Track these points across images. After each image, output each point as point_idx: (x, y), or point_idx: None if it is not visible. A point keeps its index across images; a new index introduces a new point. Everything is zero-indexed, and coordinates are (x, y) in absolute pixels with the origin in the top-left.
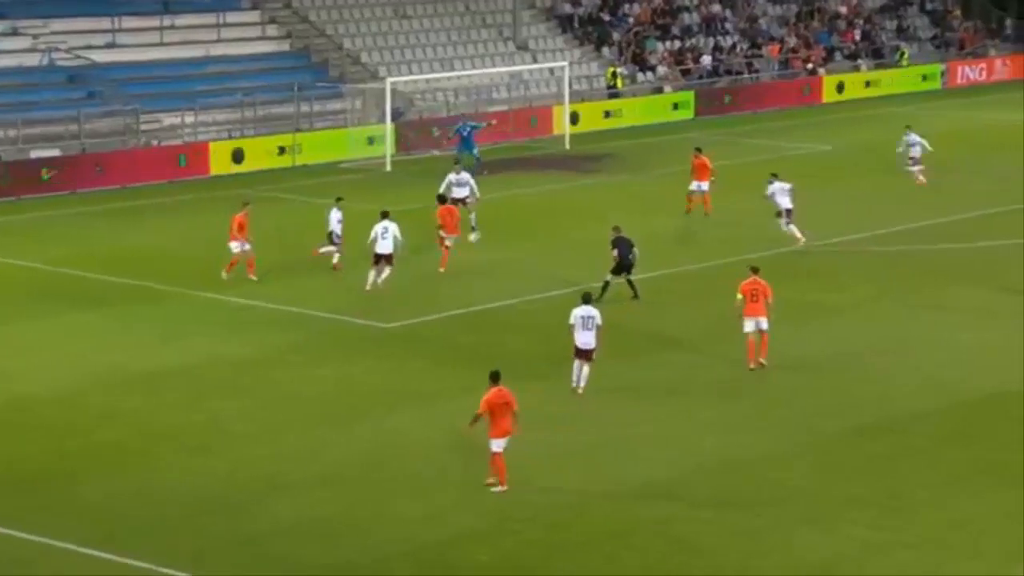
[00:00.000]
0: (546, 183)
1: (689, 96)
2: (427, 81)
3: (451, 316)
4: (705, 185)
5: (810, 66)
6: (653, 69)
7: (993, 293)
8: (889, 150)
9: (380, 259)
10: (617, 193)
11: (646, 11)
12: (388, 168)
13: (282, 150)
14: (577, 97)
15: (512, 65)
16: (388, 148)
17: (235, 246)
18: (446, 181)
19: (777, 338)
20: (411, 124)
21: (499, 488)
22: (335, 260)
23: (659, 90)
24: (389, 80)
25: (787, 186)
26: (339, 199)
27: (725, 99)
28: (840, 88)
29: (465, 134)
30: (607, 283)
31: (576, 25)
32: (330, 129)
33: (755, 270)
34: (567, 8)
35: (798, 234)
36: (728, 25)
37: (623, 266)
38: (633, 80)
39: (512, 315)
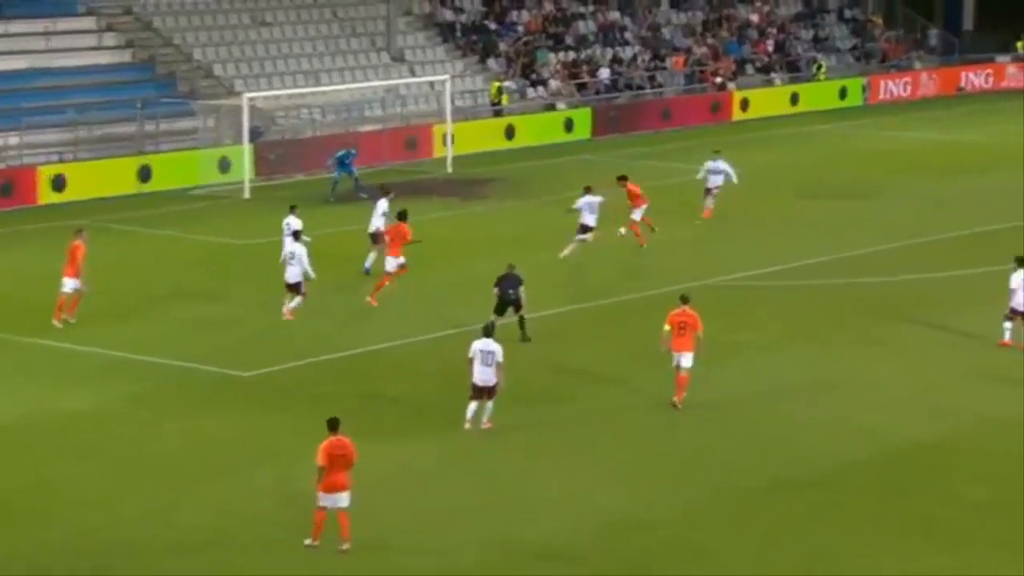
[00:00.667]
0: (426, 211)
1: (585, 113)
2: (290, 97)
3: (317, 362)
4: (638, 214)
5: (719, 80)
6: (545, 83)
7: (921, 330)
8: (806, 173)
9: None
10: (505, 222)
11: (536, 19)
12: (246, 195)
13: (124, 175)
14: (460, 115)
15: (387, 79)
16: (246, 172)
17: (68, 284)
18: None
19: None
20: (272, 145)
21: (310, 542)
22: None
23: (551, 107)
24: (246, 96)
25: (596, 200)
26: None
27: (625, 117)
28: (751, 104)
29: (349, 161)
30: (492, 324)
31: (458, 34)
32: (179, 151)
33: (684, 299)
34: (448, 15)
35: (567, 251)
36: (628, 35)
37: (505, 303)
38: (523, 96)
39: (386, 360)
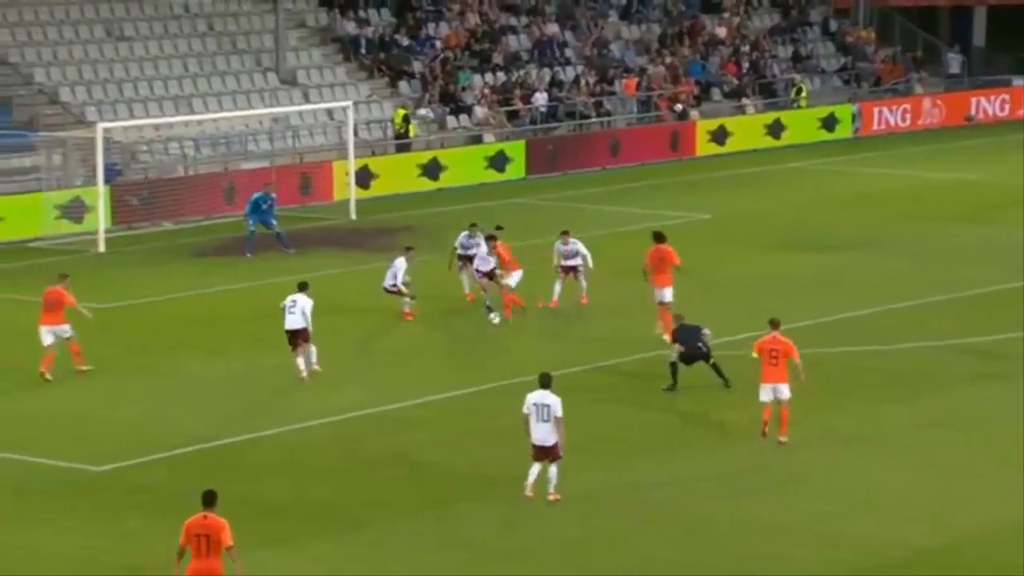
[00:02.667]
0: (323, 266)
1: (518, 147)
2: (155, 128)
3: (185, 454)
4: (668, 294)
5: (679, 107)
6: (469, 111)
7: (921, 412)
8: (785, 220)
9: (292, 336)
10: (420, 279)
11: (458, 33)
12: (101, 248)
13: None
14: (366, 149)
15: (275, 105)
16: (101, 220)
17: (48, 333)
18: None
19: (638, 479)
20: (133, 186)
21: None
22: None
23: (477, 139)
24: (101, 126)
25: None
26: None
27: (566, 151)
28: (719, 136)
29: (266, 206)
30: (674, 364)
31: (363, 51)
32: (17, 194)
33: (775, 324)
34: (350, 28)
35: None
36: (569, 52)
37: (694, 356)
38: (442, 126)
39: (266, 452)
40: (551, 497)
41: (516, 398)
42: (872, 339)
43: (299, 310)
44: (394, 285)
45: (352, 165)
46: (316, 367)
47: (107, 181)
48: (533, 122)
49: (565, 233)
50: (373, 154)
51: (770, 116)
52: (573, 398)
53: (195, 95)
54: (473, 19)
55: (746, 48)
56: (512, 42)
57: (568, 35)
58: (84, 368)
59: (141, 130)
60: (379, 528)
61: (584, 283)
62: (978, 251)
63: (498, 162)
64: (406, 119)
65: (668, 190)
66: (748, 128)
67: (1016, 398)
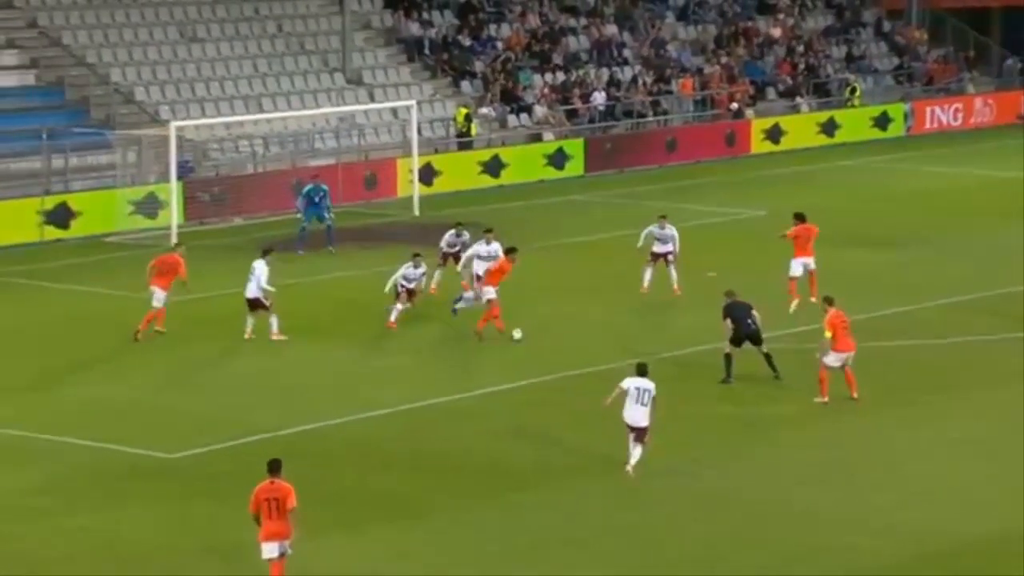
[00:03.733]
0: (387, 262)
1: (577, 145)
2: (226, 126)
3: (257, 441)
4: (811, 262)
5: (735, 106)
6: (529, 110)
7: (974, 404)
8: (842, 216)
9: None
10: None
11: (519, 34)
12: (174, 241)
13: (28, 220)
14: (430, 147)
15: (341, 104)
16: (174, 216)
17: (159, 293)
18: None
19: (691, 468)
20: (205, 183)
21: None
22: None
23: (537, 137)
24: (174, 124)
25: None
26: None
27: (624, 149)
28: (774, 134)
29: (318, 199)
30: (728, 356)
31: (426, 52)
32: (94, 191)
33: (830, 301)
34: (414, 29)
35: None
36: (627, 53)
37: (743, 336)
38: (503, 125)
39: (329, 442)
40: (631, 471)
41: (575, 390)
42: (927, 333)
43: (255, 277)
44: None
45: (416, 162)
46: (276, 336)
47: (180, 178)
48: (592, 121)
49: (663, 217)
50: (436, 152)
51: (824, 115)
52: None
53: (264, 95)
54: (533, 20)
55: (800, 48)
56: (571, 43)
57: (626, 36)
58: (161, 329)
59: (213, 128)
60: (441, 516)
61: (675, 273)
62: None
63: (557, 160)
64: (468, 118)
65: (724, 187)
66: (802, 127)
67: None
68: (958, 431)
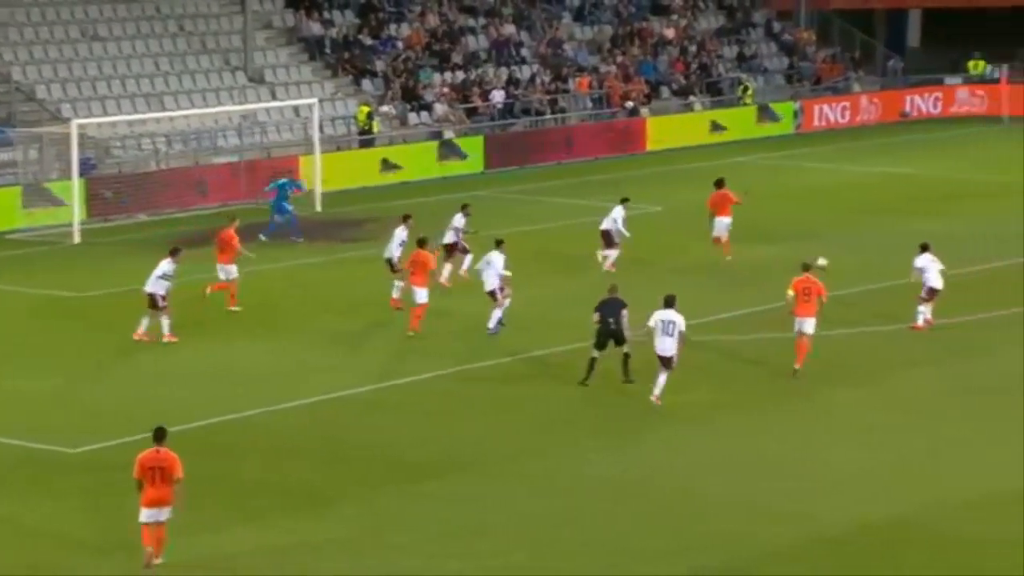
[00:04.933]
0: (289, 257)
1: (477, 142)
2: (128, 124)
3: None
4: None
5: (630, 104)
6: (430, 108)
7: (867, 395)
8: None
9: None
10: (381, 270)
11: (419, 33)
12: (76, 239)
13: None
14: (331, 144)
15: (243, 102)
16: (76, 213)
17: (222, 271)
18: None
19: (599, 453)
20: (107, 180)
21: (156, 561)
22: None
23: (438, 135)
24: (76, 122)
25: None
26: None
27: (522, 146)
28: (669, 132)
29: (289, 192)
30: (592, 360)
31: (327, 51)
32: None
33: (806, 267)
34: (315, 29)
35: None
36: (525, 52)
37: (606, 334)
38: (404, 122)
39: (241, 434)
40: (656, 400)
41: (480, 382)
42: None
43: (155, 274)
44: (394, 257)
45: (318, 160)
46: (168, 337)
47: (82, 175)
48: (491, 119)
49: (624, 200)
50: (338, 149)
51: (717, 113)
52: (528, 383)
53: (166, 93)
54: (433, 20)
55: (693, 49)
56: (471, 42)
57: (524, 35)
58: (236, 309)
59: (115, 126)
60: (348, 507)
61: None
62: (912, 241)
63: (458, 157)
64: (369, 116)
65: (620, 183)
66: (696, 124)
67: (954, 380)
68: (855, 420)
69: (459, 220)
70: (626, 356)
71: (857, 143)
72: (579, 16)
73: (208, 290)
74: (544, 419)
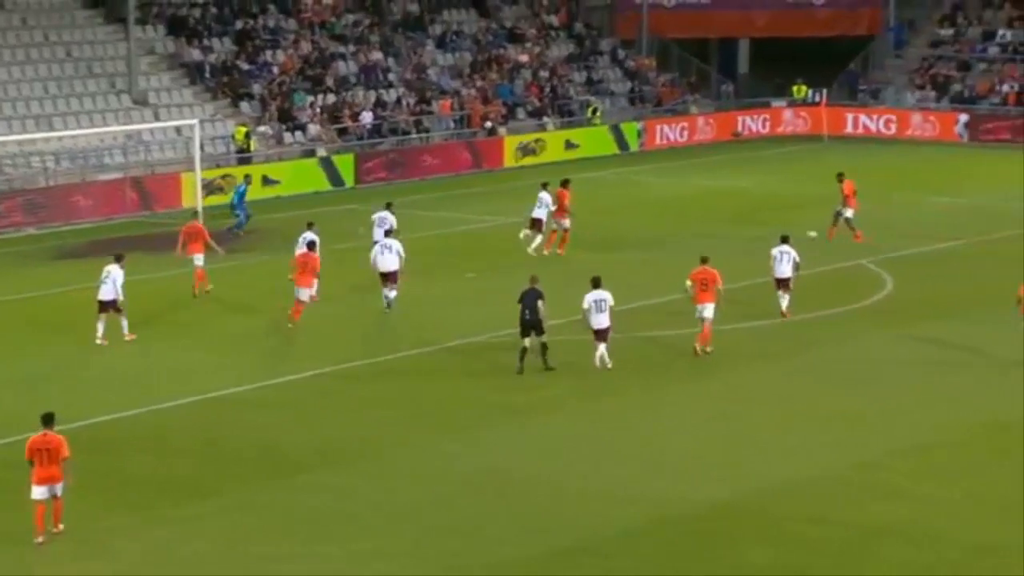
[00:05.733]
0: (168, 267)
1: (347, 160)
2: (19, 143)
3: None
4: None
5: (488, 124)
6: (304, 128)
7: (705, 385)
8: (585, 222)
9: (103, 305)
10: (257, 277)
11: (292, 59)
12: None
13: None
14: (212, 162)
15: (128, 123)
16: None
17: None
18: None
19: (459, 445)
20: None
21: (57, 528)
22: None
23: (311, 153)
24: None
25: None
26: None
27: (390, 163)
28: (525, 150)
29: (241, 192)
30: (523, 350)
31: (207, 75)
32: None
33: (704, 259)
34: (195, 55)
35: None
36: (392, 76)
37: (527, 324)
38: (280, 141)
39: (127, 431)
40: (608, 366)
41: (350, 381)
42: (665, 324)
43: (111, 281)
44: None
45: (199, 176)
46: (128, 336)
47: None
48: (360, 138)
49: (389, 204)
50: (218, 166)
51: (568, 132)
52: (398, 379)
53: (55, 114)
54: (306, 47)
55: (546, 74)
56: (341, 67)
57: (391, 61)
58: (208, 288)
59: (6, 146)
60: (227, 498)
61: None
62: (744, 247)
63: (329, 173)
64: (247, 135)
65: (481, 197)
66: (549, 143)
67: (789, 374)
68: (698, 410)
69: (546, 197)
70: (543, 346)
71: (695, 160)
72: (441, 44)
73: (199, 286)
74: (411, 414)
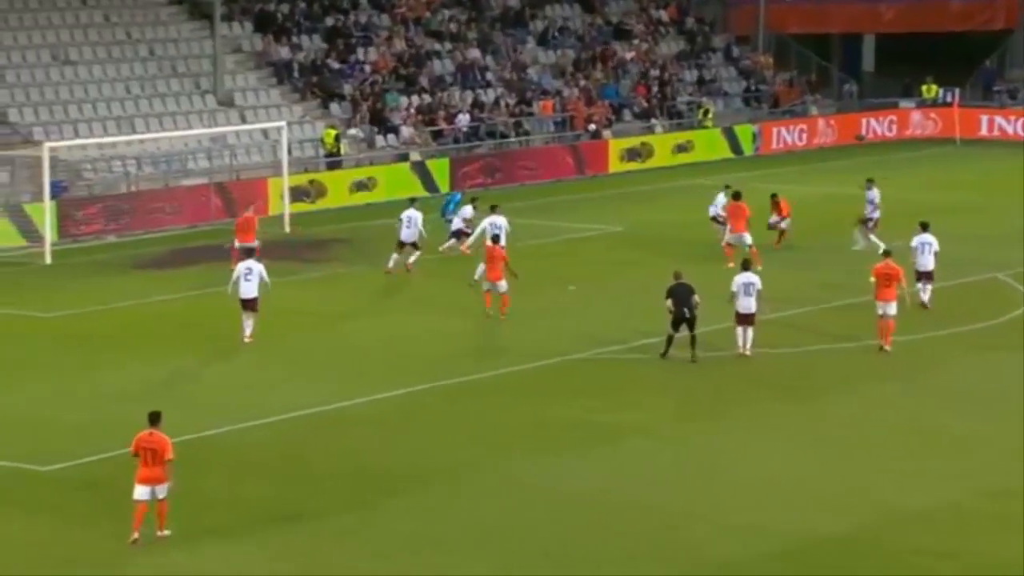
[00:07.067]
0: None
1: (443, 164)
2: (99, 147)
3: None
4: (747, 237)
5: (593, 127)
6: (396, 131)
7: (817, 408)
8: (694, 231)
9: (245, 304)
10: (348, 289)
11: (386, 58)
12: (48, 260)
13: None
14: (299, 166)
15: (213, 125)
16: (48, 234)
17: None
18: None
19: (558, 468)
20: (78, 202)
21: (161, 533)
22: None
23: (404, 157)
24: (48, 145)
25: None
26: None
27: (487, 168)
28: (631, 154)
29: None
30: (670, 338)
31: (296, 75)
32: None
33: (887, 253)
34: (283, 53)
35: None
36: (490, 76)
37: (680, 319)
38: (371, 145)
39: (206, 452)
40: (749, 352)
41: (443, 399)
42: (776, 341)
43: (255, 277)
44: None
45: (286, 182)
46: (249, 338)
47: (53, 197)
48: (456, 141)
49: (411, 202)
50: (306, 171)
51: (678, 136)
52: (492, 397)
53: (137, 116)
54: (399, 44)
55: (655, 72)
56: (437, 66)
57: (489, 59)
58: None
59: (86, 149)
60: (313, 522)
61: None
62: (867, 259)
63: (424, 178)
64: (337, 139)
65: (583, 204)
66: (657, 147)
67: (910, 395)
68: (805, 433)
69: (468, 211)
70: (693, 338)
71: (814, 164)
72: (543, 41)
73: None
74: (505, 434)
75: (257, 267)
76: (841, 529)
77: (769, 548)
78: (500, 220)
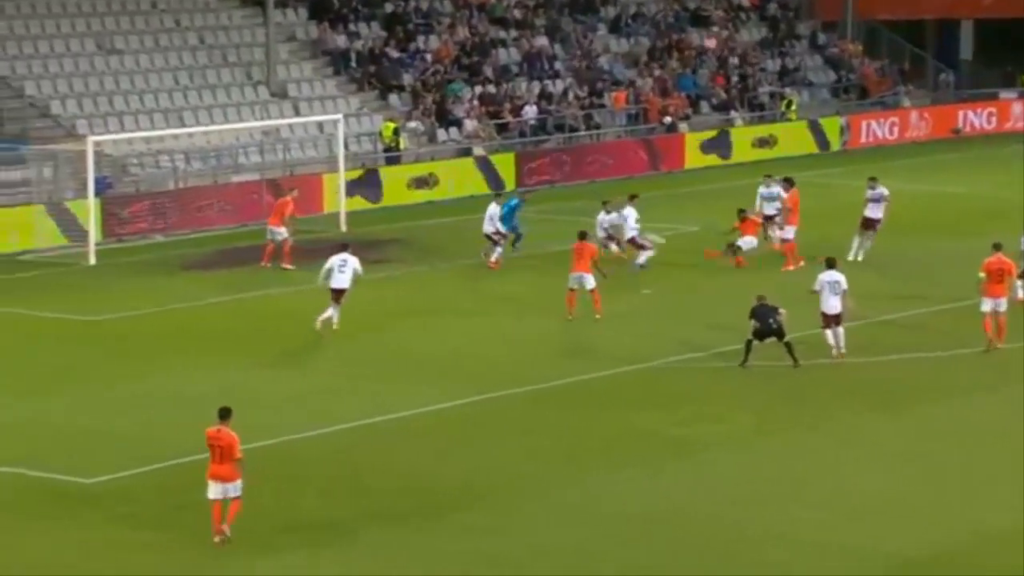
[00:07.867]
0: (312, 278)
1: (508, 159)
2: (146, 141)
3: (179, 465)
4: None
5: (668, 120)
6: (459, 124)
7: (910, 422)
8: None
9: (335, 294)
10: (409, 291)
11: (448, 46)
12: (92, 260)
13: None
14: (357, 162)
15: (266, 118)
16: (92, 233)
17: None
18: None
19: (630, 483)
20: (124, 200)
21: (220, 537)
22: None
23: (467, 151)
24: (92, 139)
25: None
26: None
27: (555, 164)
28: (708, 148)
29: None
30: (749, 343)
31: (353, 64)
32: (7, 207)
33: (997, 247)
34: (340, 41)
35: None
36: (558, 65)
37: (765, 333)
38: (432, 139)
39: (257, 463)
40: (842, 353)
41: (508, 408)
42: (862, 351)
43: (349, 270)
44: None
45: (343, 177)
46: (334, 326)
47: (98, 194)
48: (522, 135)
49: (768, 176)
50: (363, 166)
51: (759, 129)
52: (561, 408)
53: (186, 108)
54: (463, 32)
55: (734, 61)
56: (502, 55)
57: (557, 48)
58: (290, 267)
59: (132, 143)
60: (367, 539)
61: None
62: (964, 262)
63: (488, 174)
64: (396, 132)
65: (657, 202)
66: (737, 141)
67: (1005, 410)
68: (895, 448)
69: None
70: (788, 345)
71: (906, 160)
72: (615, 28)
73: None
74: (567, 448)
75: (352, 260)
76: (931, 551)
77: (855, 570)
78: (629, 212)
